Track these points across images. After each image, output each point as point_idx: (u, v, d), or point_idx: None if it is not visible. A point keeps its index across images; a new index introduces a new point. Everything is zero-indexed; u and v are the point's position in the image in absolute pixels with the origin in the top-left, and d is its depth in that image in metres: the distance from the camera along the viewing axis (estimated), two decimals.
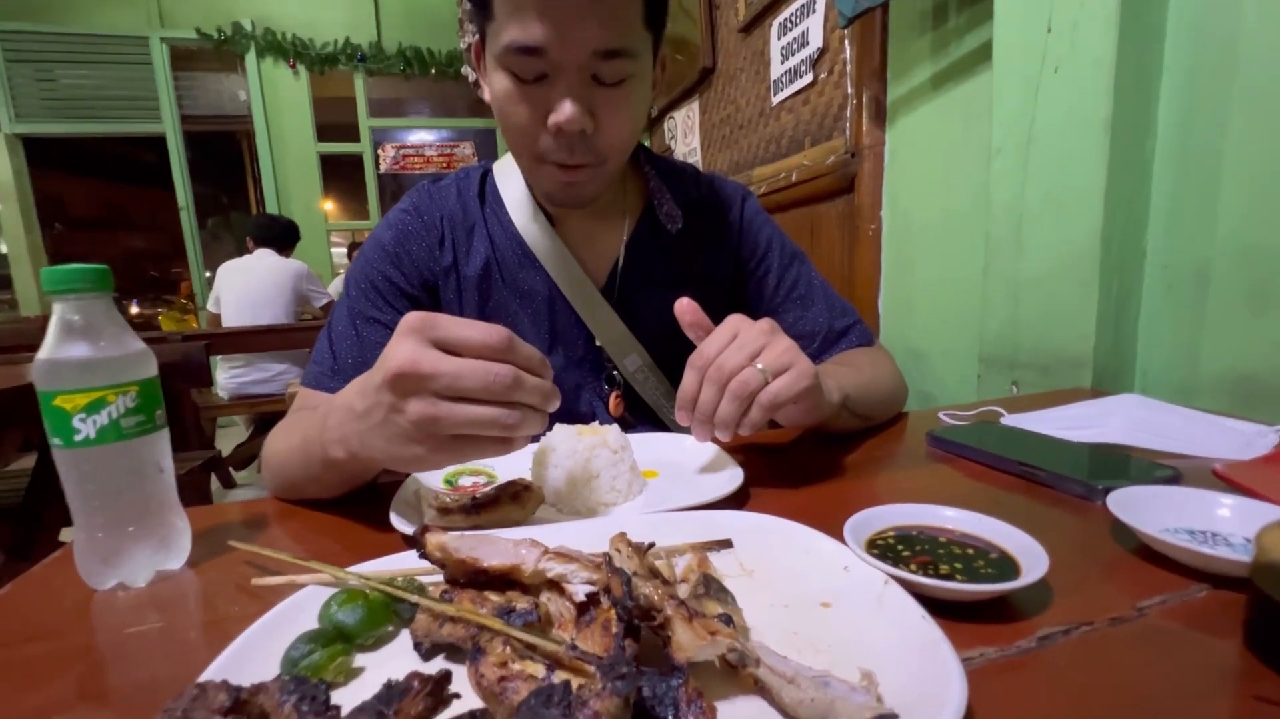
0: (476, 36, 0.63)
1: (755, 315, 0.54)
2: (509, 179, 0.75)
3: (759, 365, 0.51)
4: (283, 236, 3.28)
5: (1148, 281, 0.91)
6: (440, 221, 0.74)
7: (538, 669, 0.27)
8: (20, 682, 0.33)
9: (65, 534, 1.54)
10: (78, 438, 0.39)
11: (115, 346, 0.40)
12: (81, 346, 0.39)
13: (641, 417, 0.79)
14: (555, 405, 0.42)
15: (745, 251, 0.81)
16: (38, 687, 0.33)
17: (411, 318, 0.40)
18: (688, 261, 0.79)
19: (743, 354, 0.51)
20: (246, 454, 3.28)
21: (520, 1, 0.54)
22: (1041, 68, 0.93)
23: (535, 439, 0.57)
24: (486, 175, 0.78)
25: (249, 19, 4.35)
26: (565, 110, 0.57)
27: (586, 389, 0.76)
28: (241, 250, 3.33)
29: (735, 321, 0.54)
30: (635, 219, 0.77)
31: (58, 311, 0.39)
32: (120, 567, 0.42)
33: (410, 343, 0.39)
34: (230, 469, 3.07)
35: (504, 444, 0.41)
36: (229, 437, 3.58)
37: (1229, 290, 0.81)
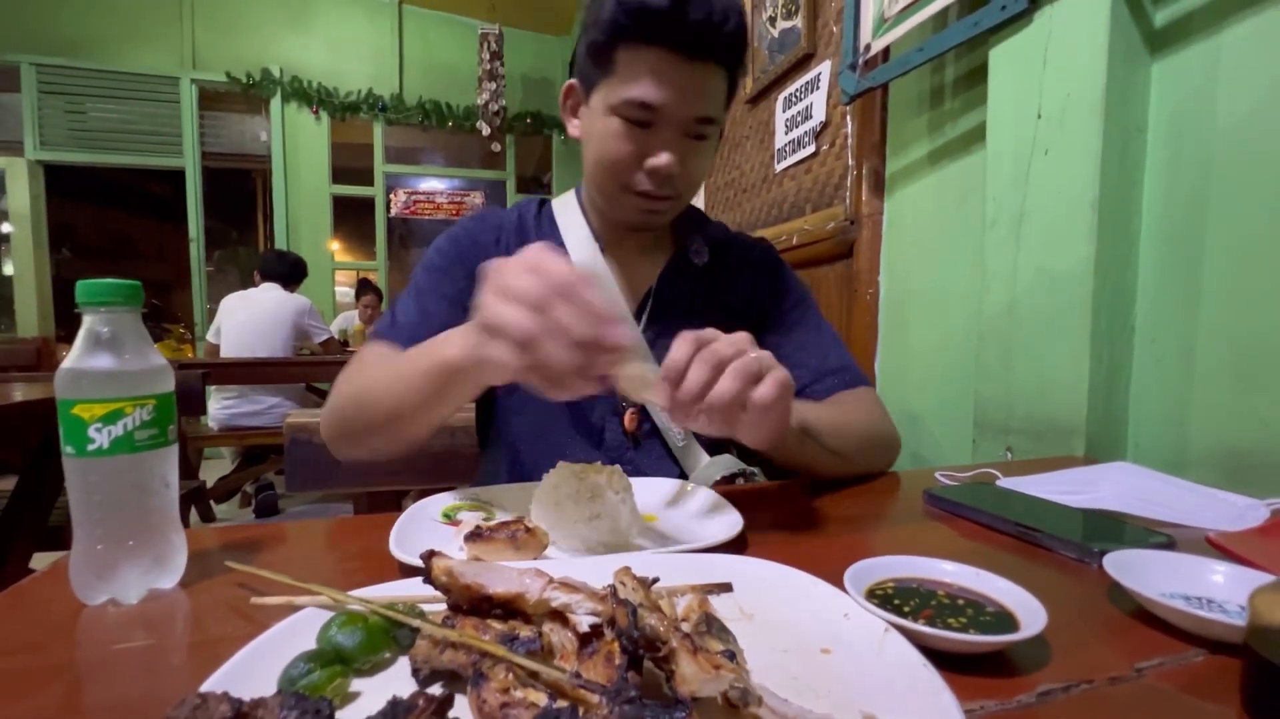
0: (576, 82, 0.76)
1: (761, 344, 0.54)
2: (566, 210, 0.85)
3: (751, 353, 0.50)
4: (290, 272, 3.33)
5: (1137, 355, 0.93)
6: (498, 227, 0.85)
7: (540, 698, 0.27)
8: None
9: (36, 561, 1.49)
10: (91, 447, 0.39)
11: (138, 360, 0.41)
12: (106, 358, 0.40)
13: (650, 435, 0.82)
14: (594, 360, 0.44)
15: (761, 288, 0.88)
16: (13, 701, 0.32)
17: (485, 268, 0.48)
18: (710, 294, 0.86)
19: (732, 347, 0.50)
20: (230, 487, 3.21)
21: (650, 68, 0.68)
22: (1032, 149, 0.98)
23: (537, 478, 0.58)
24: (544, 204, 0.88)
25: (278, 66, 4.55)
26: (664, 158, 0.71)
27: (601, 402, 0.81)
28: (246, 284, 3.37)
29: (711, 330, 0.52)
30: (669, 254, 0.87)
31: (87, 322, 0.40)
32: (114, 582, 0.41)
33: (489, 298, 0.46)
34: (211, 502, 3.01)
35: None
36: (213, 469, 3.51)
37: (1214, 368, 0.83)
